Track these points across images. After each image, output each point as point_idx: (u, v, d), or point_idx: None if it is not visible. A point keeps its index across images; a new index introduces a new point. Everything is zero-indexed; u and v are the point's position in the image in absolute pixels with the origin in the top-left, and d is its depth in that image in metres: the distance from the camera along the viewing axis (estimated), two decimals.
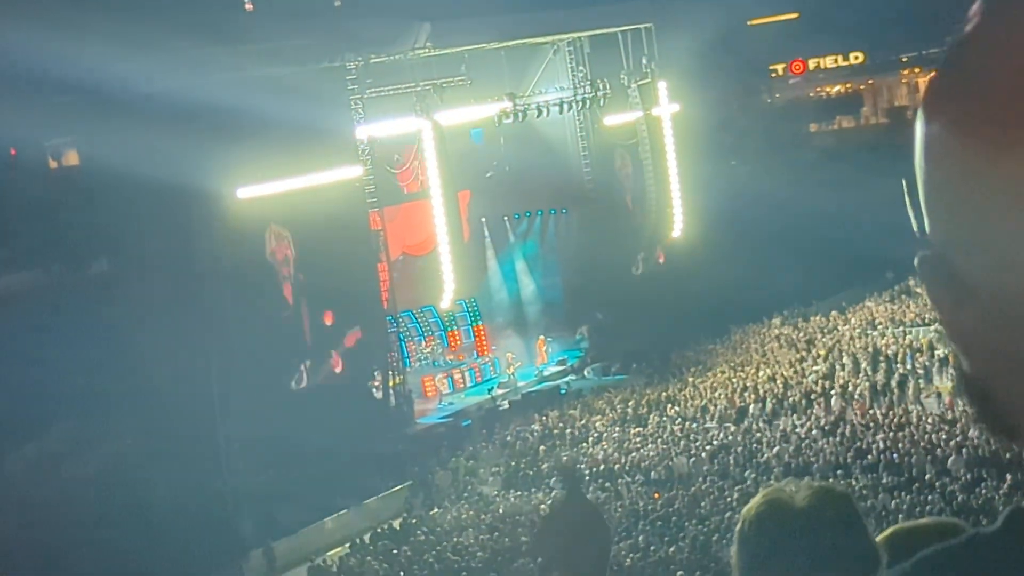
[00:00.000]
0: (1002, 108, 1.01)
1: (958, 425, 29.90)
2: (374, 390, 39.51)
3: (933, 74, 1.11)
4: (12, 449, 30.30)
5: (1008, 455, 26.07)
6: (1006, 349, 1.06)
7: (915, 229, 1.12)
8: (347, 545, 30.65)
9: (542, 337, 46.27)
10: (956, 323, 1.10)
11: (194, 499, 30.44)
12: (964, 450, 28.18)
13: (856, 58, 64.49)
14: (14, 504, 28.96)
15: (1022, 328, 1.04)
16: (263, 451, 33.24)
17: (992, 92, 1.02)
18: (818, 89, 66.56)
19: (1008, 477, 26.39)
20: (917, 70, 63.96)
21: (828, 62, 65.40)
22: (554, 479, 31.15)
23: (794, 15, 61.32)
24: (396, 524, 31.22)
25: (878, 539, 2.92)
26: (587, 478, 31.37)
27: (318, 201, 37.59)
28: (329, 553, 30.69)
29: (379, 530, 31.00)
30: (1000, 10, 1.06)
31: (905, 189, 1.14)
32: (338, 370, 38.00)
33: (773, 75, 63.91)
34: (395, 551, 28.60)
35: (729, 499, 27.62)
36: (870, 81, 63.09)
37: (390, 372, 39.75)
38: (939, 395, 33.74)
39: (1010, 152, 0.99)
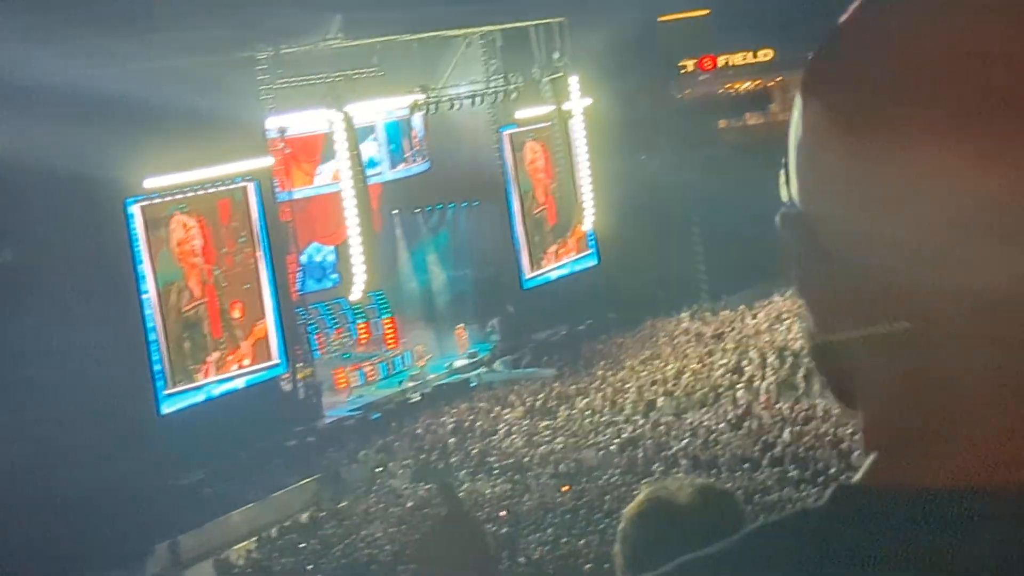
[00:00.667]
0: (871, 95, 1.15)
1: None
2: (282, 382, 39.26)
3: (813, 54, 1.23)
4: None
5: None
6: (846, 309, 1.20)
7: (783, 197, 1.25)
8: (254, 539, 30.46)
9: (461, 325, 46.15)
10: (807, 278, 1.24)
11: (103, 490, 30.02)
12: None
13: (766, 55, 64.82)
14: None
15: (862, 288, 1.17)
16: (171, 443, 32.97)
17: (863, 79, 1.16)
18: (728, 85, 66.85)
19: None
20: None
21: (738, 59, 65.66)
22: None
23: (704, 12, 61.61)
24: (304, 518, 31.07)
25: None
26: (496, 471, 31.45)
27: (227, 192, 37.39)
28: (236, 547, 30.47)
29: (287, 524, 30.84)
30: (875, 4, 1.20)
31: (783, 163, 1.25)
32: (247, 362, 37.71)
33: (683, 71, 64.08)
34: (303, 545, 28.47)
35: (636, 492, 27.75)
36: (779, 78, 63.34)
37: (299, 364, 39.53)
38: None
39: (874, 134, 1.13)
